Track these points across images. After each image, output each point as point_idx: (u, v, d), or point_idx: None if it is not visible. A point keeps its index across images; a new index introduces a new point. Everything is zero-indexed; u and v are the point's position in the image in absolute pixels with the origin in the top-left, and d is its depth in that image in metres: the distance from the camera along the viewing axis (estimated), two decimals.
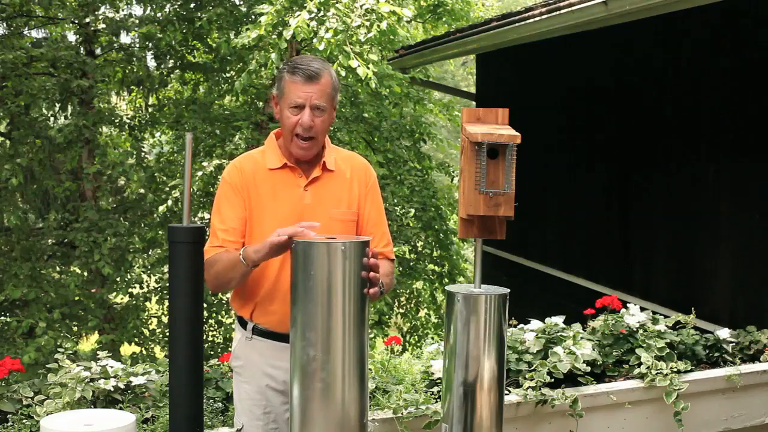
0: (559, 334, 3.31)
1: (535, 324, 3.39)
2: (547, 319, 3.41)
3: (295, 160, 2.34)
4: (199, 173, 7.91)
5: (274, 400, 2.35)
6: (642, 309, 3.58)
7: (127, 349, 10.42)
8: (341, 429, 1.98)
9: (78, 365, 2.82)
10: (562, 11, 5.14)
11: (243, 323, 2.40)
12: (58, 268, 10.24)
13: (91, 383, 2.73)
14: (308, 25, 6.54)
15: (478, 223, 2.09)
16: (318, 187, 2.34)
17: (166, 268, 9.42)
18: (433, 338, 9.68)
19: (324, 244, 1.94)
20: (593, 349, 3.29)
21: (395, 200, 8.56)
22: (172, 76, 10.77)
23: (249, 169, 2.34)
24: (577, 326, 3.43)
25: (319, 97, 2.25)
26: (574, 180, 6.29)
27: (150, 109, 11.25)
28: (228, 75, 10.33)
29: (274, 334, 2.34)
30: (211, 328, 10.04)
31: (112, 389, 2.75)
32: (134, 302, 10.09)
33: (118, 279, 9.43)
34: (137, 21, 10.00)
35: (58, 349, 3.09)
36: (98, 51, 10.51)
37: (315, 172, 2.34)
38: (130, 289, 9.80)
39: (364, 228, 2.42)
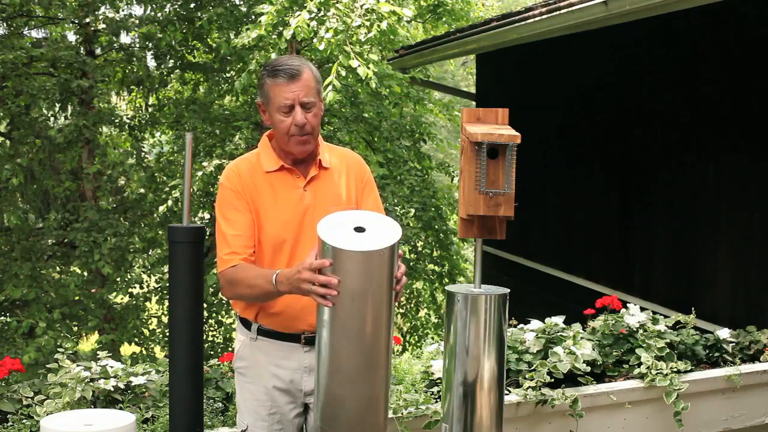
0: (559, 334, 3.31)
1: (535, 324, 3.39)
2: (547, 319, 3.41)
3: (292, 161, 2.33)
4: (199, 173, 7.90)
5: (279, 400, 2.34)
6: (642, 309, 3.58)
7: (127, 349, 10.41)
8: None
9: (78, 365, 2.82)
10: (562, 11, 5.14)
11: (247, 324, 2.38)
12: (58, 268, 10.24)
13: (91, 383, 2.73)
14: (308, 25, 6.52)
15: (478, 223, 2.09)
16: (316, 186, 2.33)
17: (166, 268, 9.41)
18: (433, 338, 9.65)
19: (360, 253, 1.90)
20: (593, 349, 3.29)
21: (395, 200, 8.54)
22: (172, 76, 10.75)
23: (247, 172, 2.32)
24: (577, 326, 3.44)
25: (305, 93, 2.24)
26: (574, 180, 6.29)
27: (150, 109, 11.23)
28: (228, 75, 10.31)
29: (280, 334, 2.33)
30: (211, 328, 10.03)
31: (112, 389, 2.75)
32: (134, 302, 10.08)
33: (118, 279, 9.42)
34: (137, 21, 9.98)
35: (58, 349, 3.09)
36: (98, 51, 10.50)
37: (312, 171, 2.33)
38: (130, 289, 9.78)
39: None
